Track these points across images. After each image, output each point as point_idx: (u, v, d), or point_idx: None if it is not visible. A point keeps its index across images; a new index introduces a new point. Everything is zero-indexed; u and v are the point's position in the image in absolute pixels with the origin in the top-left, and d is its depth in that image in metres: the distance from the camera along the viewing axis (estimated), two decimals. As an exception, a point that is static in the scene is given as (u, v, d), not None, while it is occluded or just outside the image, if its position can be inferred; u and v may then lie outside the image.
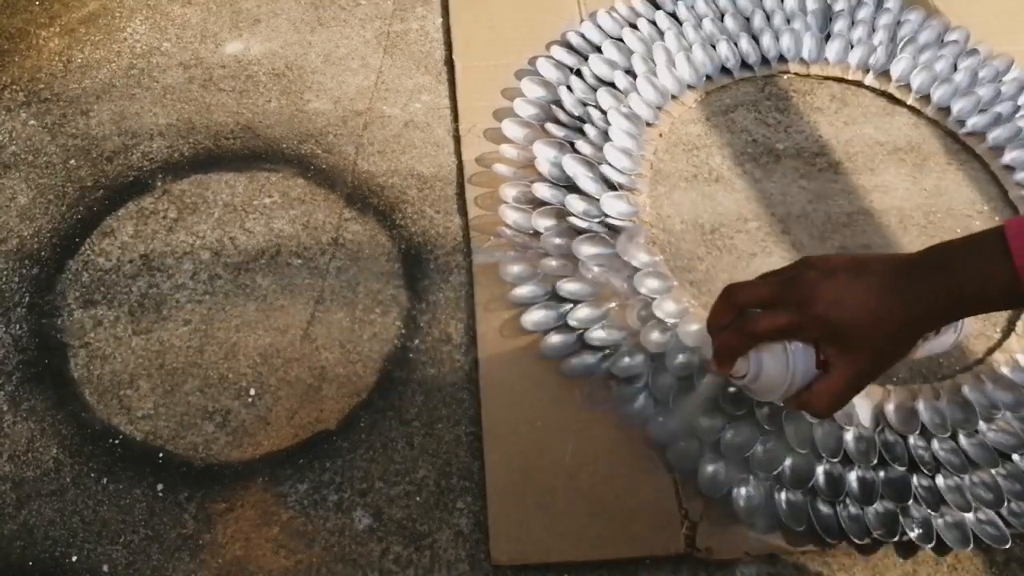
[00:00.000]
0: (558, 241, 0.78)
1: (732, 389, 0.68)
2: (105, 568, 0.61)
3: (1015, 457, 0.67)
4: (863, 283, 0.46)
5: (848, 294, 0.46)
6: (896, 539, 0.62)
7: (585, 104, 0.89)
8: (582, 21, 0.98)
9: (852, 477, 0.65)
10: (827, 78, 0.96)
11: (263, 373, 0.71)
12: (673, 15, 0.98)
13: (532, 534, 0.62)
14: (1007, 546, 0.62)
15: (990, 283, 0.44)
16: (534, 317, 0.73)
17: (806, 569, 0.63)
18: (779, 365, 0.49)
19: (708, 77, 0.94)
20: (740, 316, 0.50)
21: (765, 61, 0.96)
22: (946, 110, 0.93)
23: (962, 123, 0.91)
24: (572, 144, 0.85)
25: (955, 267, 0.45)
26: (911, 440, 0.67)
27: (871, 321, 0.46)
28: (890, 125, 0.92)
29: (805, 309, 0.47)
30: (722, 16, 0.98)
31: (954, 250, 0.46)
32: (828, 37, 0.97)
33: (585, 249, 0.77)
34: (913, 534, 0.62)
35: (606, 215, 0.80)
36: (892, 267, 0.47)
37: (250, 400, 0.70)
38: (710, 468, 0.65)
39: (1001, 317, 0.78)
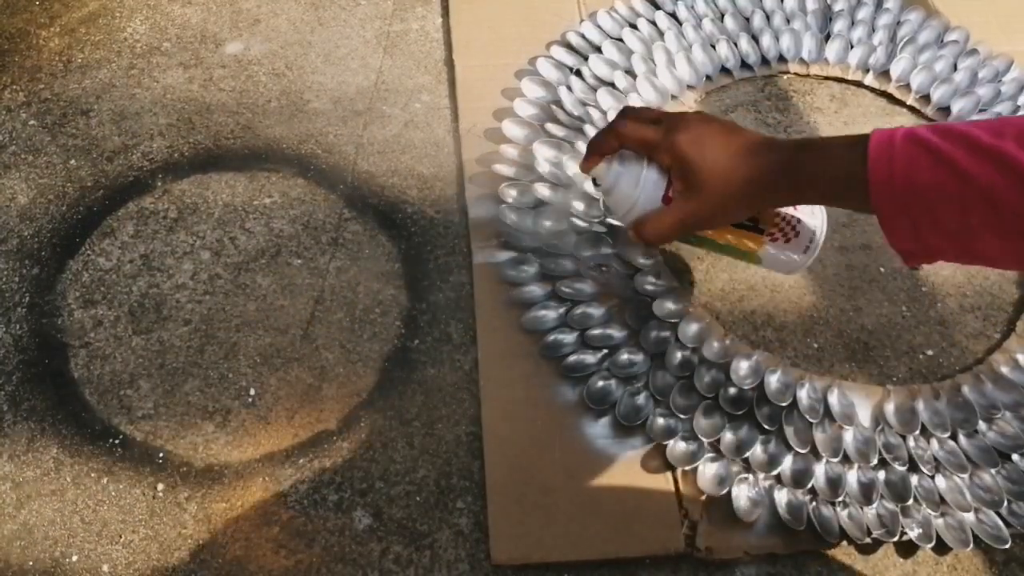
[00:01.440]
0: (558, 241, 0.78)
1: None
2: (105, 568, 0.61)
3: (1015, 457, 0.67)
4: (728, 138, 0.52)
5: (711, 140, 0.52)
6: (896, 539, 0.62)
7: (585, 104, 0.89)
8: (582, 21, 0.98)
9: (852, 477, 0.65)
10: (827, 78, 0.96)
11: (263, 373, 0.71)
12: (673, 15, 0.98)
13: (532, 534, 0.62)
14: (1007, 546, 0.62)
15: (840, 167, 0.48)
16: (534, 317, 0.73)
17: (806, 569, 0.63)
18: (631, 181, 0.56)
19: (708, 77, 0.94)
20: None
21: (765, 61, 0.96)
22: (946, 110, 0.93)
23: (962, 123, 0.91)
24: (572, 144, 0.85)
25: (814, 149, 0.50)
26: (911, 440, 0.67)
27: (720, 169, 0.51)
28: (890, 125, 0.92)
29: (668, 135, 0.53)
30: (722, 16, 0.98)
31: (820, 139, 0.51)
32: (828, 37, 0.98)
33: (585, 249, 0.77)
34: (913, 534, 0.62)
35: (606, 216, 0.80)
36: (761, 137, 0.52)
37: (250, 400, 0.70)
38: (710, 467, 0.65)
39: (1001, 317, 0.78)
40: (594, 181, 0.59)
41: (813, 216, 0.62)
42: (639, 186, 0.56)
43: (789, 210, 0.61)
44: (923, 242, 0.48)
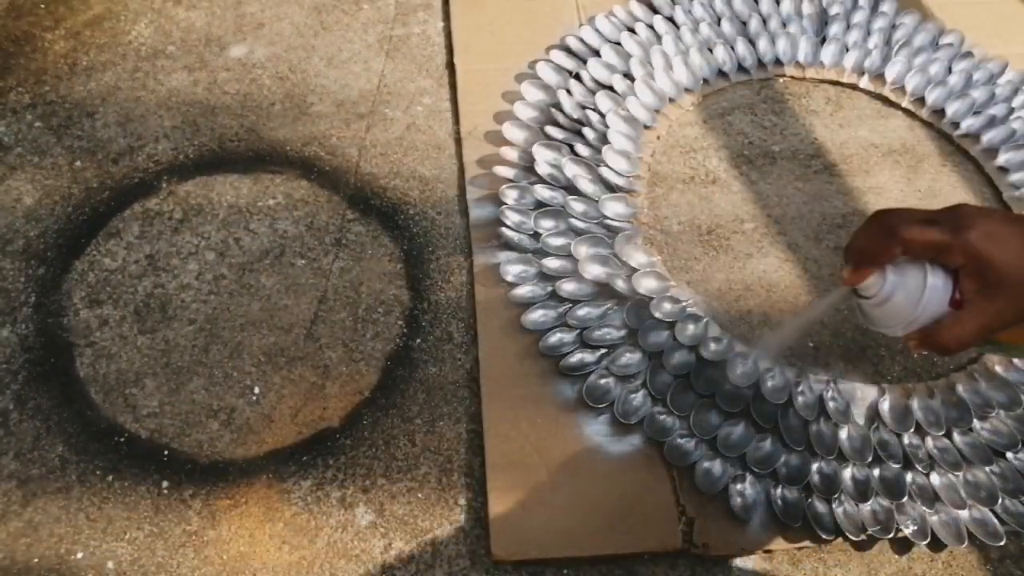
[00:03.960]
0: (558, 242, 0.79)
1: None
2: (110, 565, 0.62)
3: (1009, 455, 0.68)
4: (1019, 227, 0.46)
5: (1003, 232, 0.46)
6: (891, 536, 0.63)
7: (584, 107, 0.90)
8: (581, 25, 0.99)
9: (847, 474, 0.66)
10: (823, 81, 0.97)
11: (267, 371, 0.72)
12: (670, 19, 0.99)
13: (532, 530, 0.63)
14: (1001, 543, 0.63)
15: None
16: (534, 317, 0.74)
17: (801, 565, 0.64)
18: (912, 293, 0.47)
19: (705, 80, 0.95)
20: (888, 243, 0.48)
21: (761, 64, 0.97)
22: (941, 112, 0.94)
23: (957, 125, 0.92)
24: (571, 147, 0.86)
25: None
26: (905, 438, 0.68)
27: (1020, 263, 0.45)
28: (885, 127, 0.93)
29: (958, 233, 0.46)
30: (719, 20, 0.99)
31: None
32: (824, 40, 0.99)
33: (584, 250, 0.78)
34: (908, 531, 0.63)
35: (605, 216, 0.81)
36: None
37: (254, 398, 0.71)
38: (706, 465, 0.66)
39: (995, 317, 0.79)
40: (856, 293, 0.50)
41: None
42: (923, 294, 0.47)
43: None
44: None
